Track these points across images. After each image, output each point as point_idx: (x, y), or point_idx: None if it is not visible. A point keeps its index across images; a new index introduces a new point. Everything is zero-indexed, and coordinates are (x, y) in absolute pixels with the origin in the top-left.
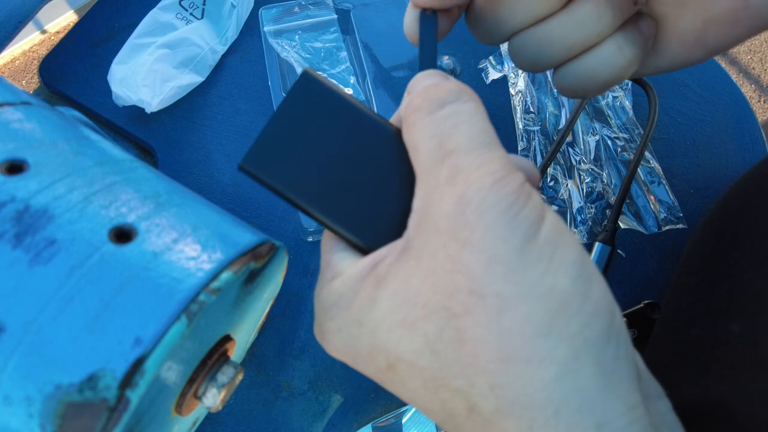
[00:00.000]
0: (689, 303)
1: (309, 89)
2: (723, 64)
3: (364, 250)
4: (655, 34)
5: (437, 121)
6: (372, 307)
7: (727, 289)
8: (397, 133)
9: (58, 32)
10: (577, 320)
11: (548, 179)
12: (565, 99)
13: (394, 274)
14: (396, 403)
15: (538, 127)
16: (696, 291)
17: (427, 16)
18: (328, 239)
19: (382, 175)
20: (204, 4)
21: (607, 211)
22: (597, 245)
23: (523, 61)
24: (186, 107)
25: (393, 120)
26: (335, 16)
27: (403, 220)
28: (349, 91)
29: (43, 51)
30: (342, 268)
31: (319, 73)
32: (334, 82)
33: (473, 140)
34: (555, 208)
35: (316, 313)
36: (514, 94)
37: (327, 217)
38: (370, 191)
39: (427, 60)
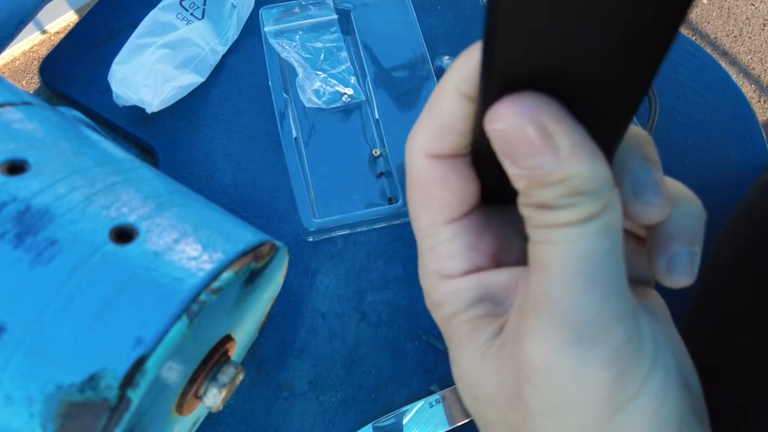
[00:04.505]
0: None
1: None
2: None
3: None
4: None
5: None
6: (460, 349)
7: None
8: None
9: (58, 32)
10: None
11: None
12: None
13: (483, 341)
14: (397, 403)
15: None
16: None
17: None
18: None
19: None
20: (204, 4)
21: None
22: None
23: None
24: (186, 107)
25: None
26: (336, 17)
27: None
28: (349, 91)
29: (44, 51)
30: (451, 268)
31: None
32: None
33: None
34: None
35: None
36: None
37: None
38: None
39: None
